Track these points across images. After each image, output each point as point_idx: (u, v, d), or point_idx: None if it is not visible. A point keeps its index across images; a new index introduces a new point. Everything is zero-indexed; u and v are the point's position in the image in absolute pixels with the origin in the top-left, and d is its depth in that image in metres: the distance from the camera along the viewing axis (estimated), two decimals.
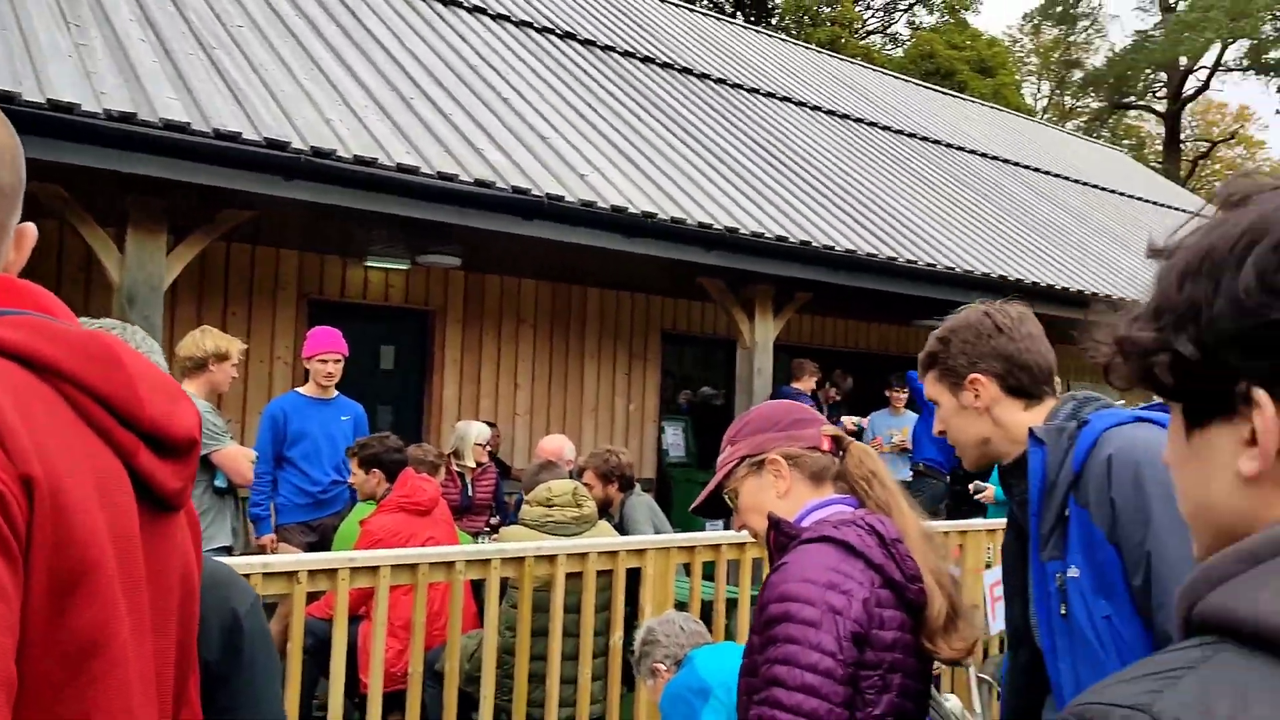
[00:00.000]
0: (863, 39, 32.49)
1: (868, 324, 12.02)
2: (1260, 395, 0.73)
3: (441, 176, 6.19)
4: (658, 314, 10.35)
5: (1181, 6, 33.93)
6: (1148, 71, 36.49)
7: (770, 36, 16.05)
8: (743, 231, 7.49)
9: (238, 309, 7.90)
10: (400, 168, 6.03)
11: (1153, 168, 32.49)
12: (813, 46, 18.48)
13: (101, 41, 5.86)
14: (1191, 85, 37.56)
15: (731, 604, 4.76)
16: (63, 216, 5.55)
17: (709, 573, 4.64)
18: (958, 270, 8.86)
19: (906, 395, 9.33)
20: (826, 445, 1.98)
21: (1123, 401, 2.04)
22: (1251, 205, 0.77)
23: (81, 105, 4.98)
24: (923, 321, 9.82)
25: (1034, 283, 9.38)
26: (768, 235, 7.66)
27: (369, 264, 8.40)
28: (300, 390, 5.98)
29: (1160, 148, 38.07)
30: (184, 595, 0.98)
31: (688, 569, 4.41)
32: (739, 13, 29.04)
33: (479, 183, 6.33)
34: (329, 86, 6.77)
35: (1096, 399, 1.91)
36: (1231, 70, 37.14)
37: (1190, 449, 0.80)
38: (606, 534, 4.59)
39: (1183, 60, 35.50)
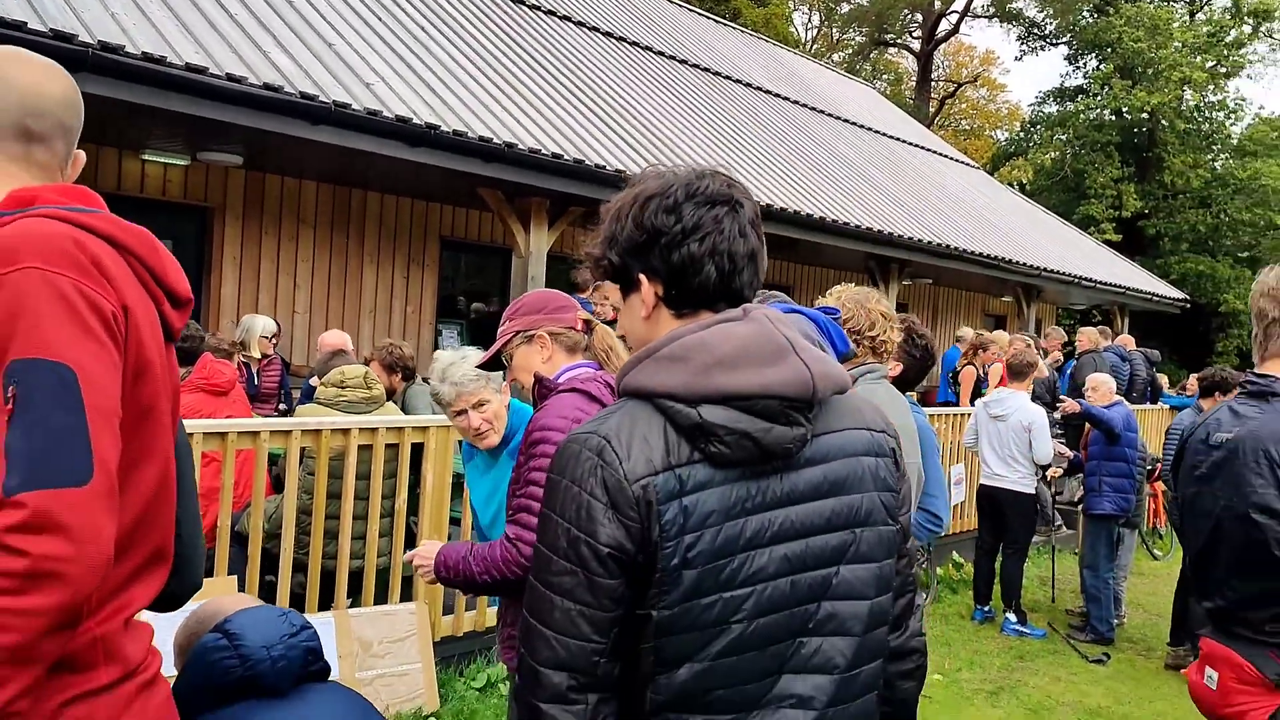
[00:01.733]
0: None
1: None
2: (641, 277, 1.49)
3: (231, 78, 6.38)
4: (437, 220, 10.76)
5: None
6: (905, 12, 38.99)
7: None
8: (520, 147, 8.02)
9: None
10: (189, 67, 6.19)
11: (906, 104, 34.99)
12: None
13: None
14: (944, 28, 40.46)
15: None
16: None
17: None
18: None
19: None
20: (580, 326, 2.68)
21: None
22: (644, 179, 1.51)
23: None
24: None
25: (781, 208, 10.43)
26: (544, 152, 8.23)
27: (146, 157, 8.39)
28: None
29: (915, 84, 40.89)
30: (174, 398, 1.56)
31: None
32: None
33: (268, 86, 6.56)
34: None
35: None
36: (979, 17, 40.28)
37: (626, 306, 1.56)
38: (394, 414, 5.17)
39: (937, 3, 38.15)
